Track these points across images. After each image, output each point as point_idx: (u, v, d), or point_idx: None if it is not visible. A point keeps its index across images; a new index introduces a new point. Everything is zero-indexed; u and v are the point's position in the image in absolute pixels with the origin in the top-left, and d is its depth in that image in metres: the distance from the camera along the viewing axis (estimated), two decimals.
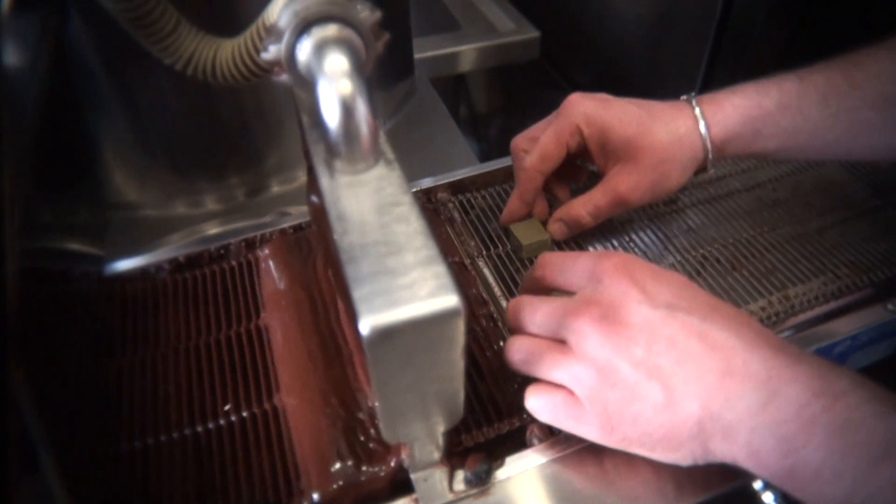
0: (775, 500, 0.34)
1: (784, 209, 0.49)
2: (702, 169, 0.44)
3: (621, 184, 0.44)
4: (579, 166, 0.50)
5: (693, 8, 0.68)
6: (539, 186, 0.46)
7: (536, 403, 0.34)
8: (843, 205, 0.49)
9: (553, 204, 0.48)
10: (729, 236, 0.47)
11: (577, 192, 0.47)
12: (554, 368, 0.33)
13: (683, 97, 0.44)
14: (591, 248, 0.46)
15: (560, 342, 0.33)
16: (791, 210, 0.49)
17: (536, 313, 0.34)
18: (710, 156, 0.43)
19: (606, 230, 0.48)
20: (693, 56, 0.69)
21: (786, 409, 0.28)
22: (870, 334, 0.41)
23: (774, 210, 0.49)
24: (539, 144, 0.45)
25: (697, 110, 0.43)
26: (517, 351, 0.34)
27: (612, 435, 0.32)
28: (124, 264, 0.44)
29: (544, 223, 0.47)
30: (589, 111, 0.44)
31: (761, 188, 0.51)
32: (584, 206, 0.45)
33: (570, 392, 0.32)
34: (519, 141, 0.47)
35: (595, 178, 0.47)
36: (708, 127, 0.42)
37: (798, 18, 0.64)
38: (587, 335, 0.31)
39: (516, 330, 0.36)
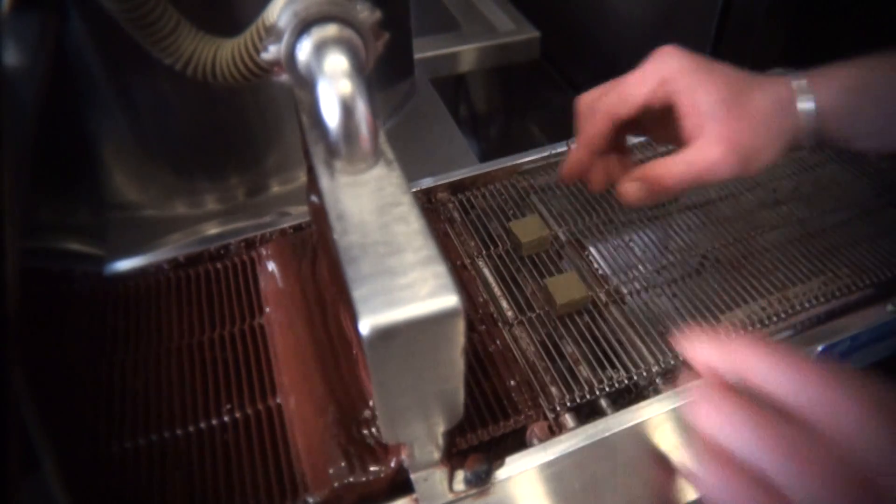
0: None
1: (784, 209, 0.49)
2: (798, 146, 0.40)
3: (712, 152, 0.37)
4: (626, 148, 0.44)
5: (693, 8, 0.68)
6: (606, 133, 0.40)
7: None
8: (843, 205, 0.49)
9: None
10: (729, 236, 0.47)
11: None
12: None
13: (778, 70, 0.40)
14: (591, 248, 0.46)
15: (767, 477, 0.25)
16: (791, 210, 0.49)
17: (749, 434, 0.25)
18: (813, 127, 0.38)
19: (606, 230, 0.48)
20: None
21: None
22: (870, 334, 0.41)
23: (774, 210, 0.49)
24: (620, 85, 0.40)
25: (804, 82, 0.38)
26: (711, 486, 0.26)
27: None
28: (124, 264, 0.44)
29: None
30: (685, 62, 0.39)
31: (761, 188, 0.51)
32: (670, 166, 0.39)
33: None
34: (586, 94, 0.42)
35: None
36: (814, 99, 0.38)
37: (798, 18, 0.64)
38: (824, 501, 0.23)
39: (704, 433, 0.27)
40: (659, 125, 0.41)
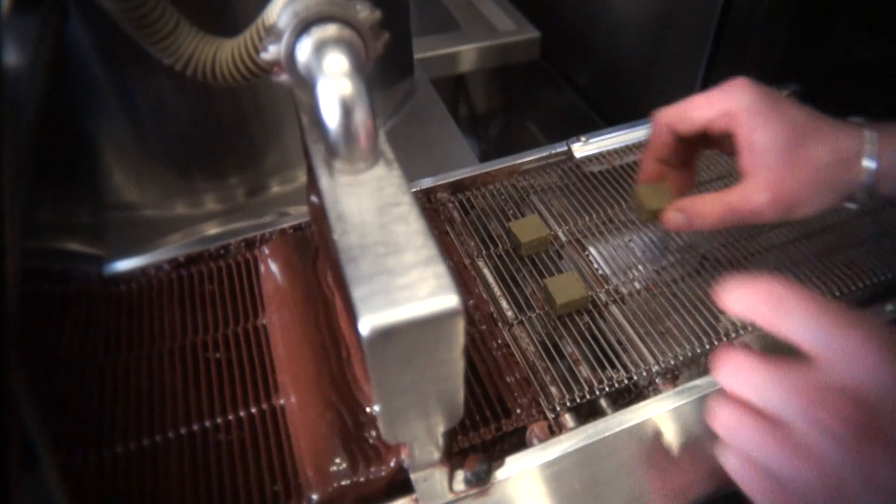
0: None
1: None
2: (850, 198, 0.39)
3: (761, 194, 0.38)
4: (694, 169, 0.45)
5: (693, 8, 0.68)
6: (669, 145, 0.42)
7: (734, 468, 0.29)
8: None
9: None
10: (729, 236, 0.47)
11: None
12: (772, 458, 0.27)
13: (855, 119, 0.40)
14: (590, 248, 0.46)
15: (776, 419, 0.27)
16: None
17: (761, 381, 0.27)
18: (870, 182, 0.38)
19: (606, 230, 0.48)
20: (693, 56, 0.69)
21: None
22: None
23: None
24: (686, 102, 0.41)
25: (871, 135, 0.38)
26: (729, 421, 0.28)
27: None
28: (124, 264, 0.44)
29: (659, 197, 0.43)
30: (753, 100, 0.39)
31: None
32: (714, 205, 0.40)
33: (777, 477, 0.27)
34: (662, 110, 0.43)
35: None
36: (879, 155, 0.37)
37: (798, 19, 0.64)
38: (829, 437, 0.25)
39: (724, 387, 0.29)
40: (726, 143, 0.42)
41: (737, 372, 0.28)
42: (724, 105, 0.39)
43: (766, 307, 0.28)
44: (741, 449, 0.28)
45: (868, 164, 0.38)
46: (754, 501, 0.28)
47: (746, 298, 0.29)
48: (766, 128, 0.38)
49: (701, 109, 0.40)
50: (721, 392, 0.29)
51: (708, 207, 0.40)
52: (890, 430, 0.25)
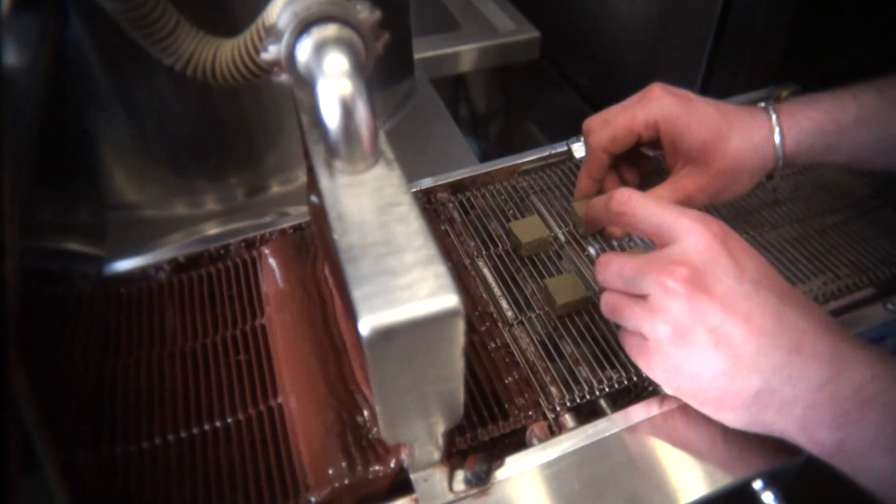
0: (775, 499, 0.34)
1: (784, 209, 0.49)
2: (769, 176, 0.45)
3: (690, 184, 0.44)
4: (645, 155, 0.50)
5: (693, 8, 0.68)
6: (606, 166, 0.46)
7: (626, 340, 0.37)
8: (843, 205, 0.49)
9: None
10: None
11: (643, 180, 0.48)
12: (635, 321, 0.35)
13: (761, 104, 0.44)
14: (590, 248, 0.46)
15: (643, 296, 0.34)
16: (791, 210, 0.49)
17: (623, 269, 0.35)
18: (780, 164, 0.43)
19: (607, 231, 0.48)
20: (693, 56, 0.69)
21: (845, 387, 0.30)
22: (870, 334, 0.41)
23: (774, 210, 0.49)
24: (612, 126, 0.45)
25: (774, 119, 0.43)
26: (604, 305, 0.37)
27: (668, 383, 0.35)
28: (124, 264, 0.44)
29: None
30: (670, 109, 0.44)
31: (761, 188, 0.51)
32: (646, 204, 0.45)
33: (644, 336, 0.35)
34: (591, 121, 0.47)
35: (659, 172, 0.48)
36: (783, 138, 0.42)
37: (798, 18, 0.64)
38: (670, 293, 0.32)
39: (604, 285, 0.37)
40: (654, 144, 0.47)
41: (608, 268, 0.36)
42: (646, 118, 0.44)
43: (625, 218, 0.37)
44: (624, 323, 0.36)
45: (777, 144, 0.43)
46: (636, 363, 0.36)
47: (611, 212, 0.38)
48: (686, 131, 0.43)
49: (628, 128, 0.45)
50: (606, 290, 0.37)
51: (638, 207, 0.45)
52: (713, 284, 0.32)
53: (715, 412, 0.34)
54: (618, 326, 0.39)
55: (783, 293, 0.33)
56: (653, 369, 0.35)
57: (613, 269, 0.36)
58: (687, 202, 0.44)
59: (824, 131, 0.42)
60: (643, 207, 0.36)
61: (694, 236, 0.33)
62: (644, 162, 0.50)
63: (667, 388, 0.35)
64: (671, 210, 0.35)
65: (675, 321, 0.33)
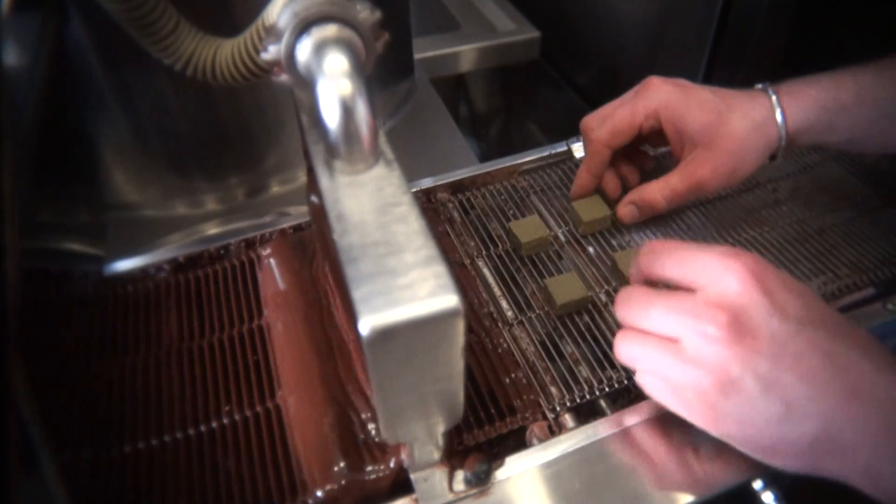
0: (775, 499, 0.34)
1: (784, 209, 0.49)
2: (772, 157, 0.45)
3: (700, 169, 0.43)
4: (645, 153, 0.50)
5: (693, 8, 0.68)
6: (606, 161, 0.46)
7: (648, 382, 0.34)
8: (843, 205, 0.49)
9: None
10: (729, 236, 0.47)
11: (644, 180, 0.48)
12: (666, 368, 0.32)
13: (759, 86, 0.44)
14: (590, 249, 0.46)
15: (672, 339, 0.32)
16: (791, 210, 0.49)
17: (651, 308, 0.32)
18: (783, 144, 0.43)
19: (606, 230, 0.48)
20: (693, 56, 0.69)
21: None
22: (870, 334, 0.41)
23: (774, 210, 0.49)
24: (612, 119, 0.45)
25: (775, 99, 0.43)
26: (628, 347, 0.34)
27: (715, 430, 0.32)
28: (124, 264, 0.44)
29: (609, 203, 0.47)
30: (668, 96, 0.44)
31: (761, 188, 0.51)
32: (660, 191, 0.45)
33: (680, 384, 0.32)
34: (589, 119, 0.47)
35: (660, 171, 0.48)
36: (784, 117, 0.42)
37: (798, 18, 0.64)
38: (709, 341, 0.30)
39: (624, 323, 0.34)
40: (652, 138, 0.47)
41: (633, 306, 0.34)
42: (647, 108, 0.44)
43: (652, 265, 0.34)
44: (643, 368, 0.33)
45: (780, 123, 0.43)
46: (667, 407, 0.33)
47: (640, 266, 0.35)
48: (687, 115, 0.43)
49: (629, 120, 0.45)
50: (622, 329, 0.34)
51: (656, 194, 0.45)
52: (756, 327, 0.30)
53: (769, 459, 0.31)
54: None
55: (833, 329, 0.30)
56: (695, 417, 0.32)
57: (637, 305, 0.33)
58: (699, 187, 0.44)
59: (825, 108, 0.42)
60: (664, 248, 0.34)
61: (730, 276, 0.31)
62: (644, 160, 0.50)
63: (712, 433, 0.32)
64: (700, 249, 0.33)
65: (720, 371, 0.30)
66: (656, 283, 0.35)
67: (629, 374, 0.39)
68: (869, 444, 0.28)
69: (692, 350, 0.31)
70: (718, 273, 0.31)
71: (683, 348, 0.31)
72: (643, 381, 0.34)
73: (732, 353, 0.30)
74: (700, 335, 0.30)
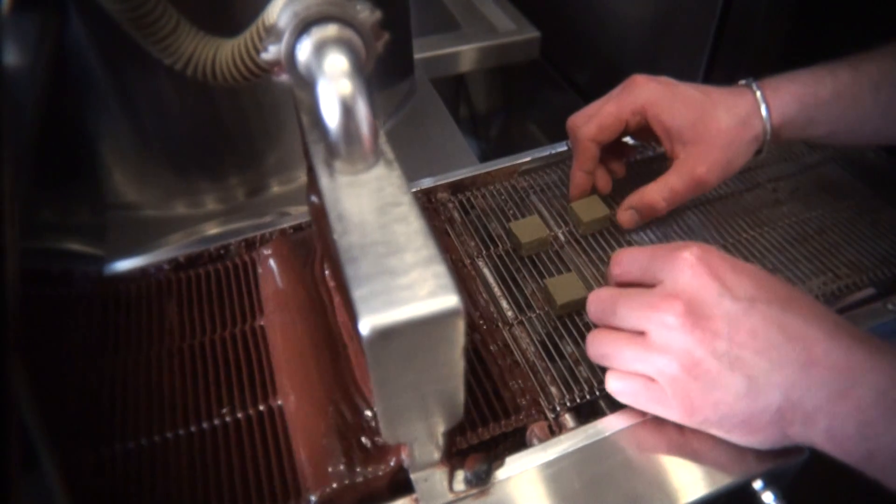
0: (775, 499, 0.34)
1: (784, 209, 0.49)
2: (758, 151, 0.45)
3: (697, 166, 0.44)
4: (628, 144, 0.51)
5: (693, 8, 0.68)
6: (596, 156, 0.47)
7: (617, 386, 0.35)
8: (843, 205, 0.49)
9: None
10: (729, 236, 0.47)
11: (635, 177, 0.49)
12: (636, 361, 0.34)
13: (742, 82, 0.45)
14: (590, 249, 0.46)
15: (639, 334, 0.34)
16: (791, 210, 0.49)
17: (617, 306, 0.35)
18: (768, 139, 0.44)
19: (606, 230, 0.48)
20: (693, 56, 0.69)
21: (866, 396, 0.29)
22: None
23: (774, 210, 0.49)
24: (598, 116, 0.46)
25: (759, 94, 0.44)
26: (599, 345, 0.36)
27: (692, 418, 0.33)
28: (124, 264, 0.44)
29: (607, 201, 0.48)
30: (654, 93, 0.44)
31: (761, 188, 0.51)
32: (659, 192, 0.45)
33: (650, 378, 0.34)
34: (575, 118, 0.48)
35: (641, 164, 0.48)
36: (769, 111, 0.43)
37: (798, 18, 0.64)
38: (670, 329, 0.32)
39: (596, 322, 0.37)
40: (640, 133, 0.48)
41: (601, 305, 0.36)
42: (632, 104, 0.45)
43: (618, 271, 0.37)
44: (614, 365, 0.35)
45: (765, 117, 0.43)
46: (641, 408, 0.35)
47: (610, 275, 0.38)
48: (674, 111, 0.44)
49: (616, 116, 0.45)
50: (594, 329, 0.37)
51: (655, 196, 0.45)
52: (710, 310, 0.32)
53: (744, 437, 0.33)
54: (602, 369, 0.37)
55: (784, 302, 0.32)
56: (671, 409, 0.34)
57: (605, 304, 0.36)
58: (698, 185, 0.44)
59: (805, 104, 0.43)
60: (627, 255, 0.37)
61: (678, 267, 0.33)
62: (628, 151, 0.51)
63: (690, 424, 0.34)
64: (649, 249, 0.36)
65: (682, 356, 0.32)
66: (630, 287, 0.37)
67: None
68: (826, 407, 0.30)
69: (657, 340, 0.33)
70: (671, 266, 0.34)
71: (649, 340, 0.33)
72: (614, 387, 0.36)
73: (693, 338, 0.32)
74: (662, 325, 0.32)
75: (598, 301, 0.36)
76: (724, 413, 0.32)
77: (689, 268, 0.33)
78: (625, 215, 0.46)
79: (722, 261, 0.33)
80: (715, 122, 0.43)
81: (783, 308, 0.32)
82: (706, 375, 0.32)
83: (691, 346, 0.32)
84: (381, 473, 0.33)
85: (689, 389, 0.32)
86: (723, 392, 0.32)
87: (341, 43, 0.28)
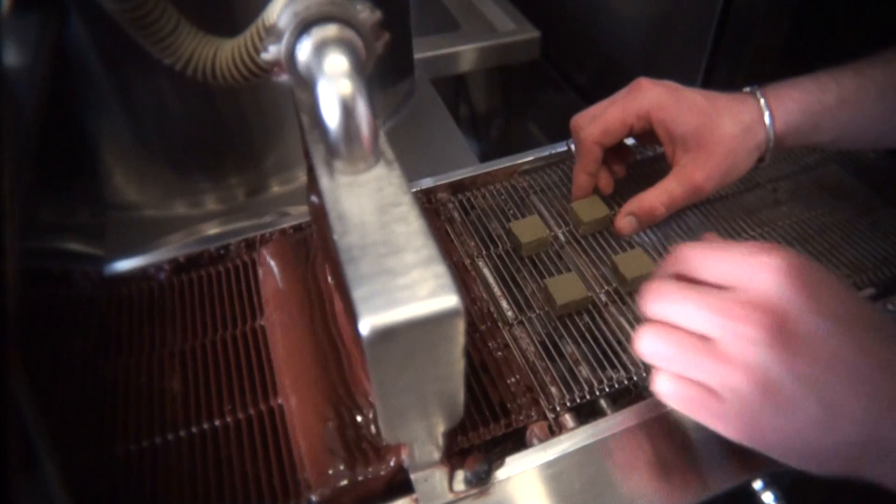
0: (775, 499, 0.34)
1: (784, 209, 0.49)
2: (761, 159, 0.46)
3: (696, 173, 0.44)
4: (628, 146, 0.51)
5: (693, 8, 0.68)
6: (599, 158, 0.47)
7: (669, 389, 0.32)
8: (843, 205, 0.49)
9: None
10: (729, 237, 0.47)
11: (634, 178, 0.49)
12: (699, 369, 0.30)
13: (747, 89, 0.45)
14: (590, 249, 0.46)
15: (703, 337, 0.30)
16: (791, 210, 0.49)
17: (685, 303, 0.31)
18: (771, 146, 0.44)
19: (606, 230, 0.48)
20: (693, 56, 0.69)
21: None
22: None
23: (774, 210, 0.49)
24: (603, 118, 0.45)
25: (763, 102, 0.44)
26: (656, 341, 0.32)
27: (752, 439, 0.30)
28: (124, 264, 0.44)
29: (607, 202, 0.48)
30: (659, 98, 0.44)
31: (761, 188, 0.51)
32: (658, 197, 0.45)
33: (710, 389, 0.30)
34: (579, 118, 0.47)
35: (640, 165, 0.48)
36: (773, 119, 0.43)
37: (798, 18, 0.64)
38: (748, 342, 0.29)
39: (650, 315, 0.33)
40: (643, 137, 0.48)
41: (662, 299, 0.32)
42: (637, 108, 0.45)
43: (685, 266, 0.33)
44: (670, 368, 0.32)
45: (768, 125, 0.43)
46: (691, 416, 0.32)
47: (667, 267, 0.34)
48: (678, 118, 0.44)
49: (619, 120, 0.45)
50: (647, 323, 0.33)
51: (654, 201, 0.45)
52: (796, 327, 0.29)
53: (802, 463, 0.30)
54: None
55: (874, 325, 0.29)
56: (729, 426, 0.31)
57: (671, 298, 0.31)
58: (696, 191, 0.44)
59: (810, 111, 0.43)
60: (693, 252, 0.33)
61: (761, 272, 0.29)
62: (627, 153, 0.51)
63: (747, 444, 0.31)
64: (721, 248, 0.32)
65: (759, 376, 0.29)
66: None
67: (629, 373, 0.39)
68: None
69: (730, 351, 0.29)
70: (753, 271, 0.30)
71: (720, 349, 0.30)
72: (665, 389, 0.32)
73: (772, 356, 0.28)
74: (739, 336, 0.29)
75: (660, 293, 0.32)
76: (786, 439, 0.29)
77: (773, 276, 0.29)
78: (623, 222, 0.46)
79: (811, 272, 0.30)
80: (718, 129, 0.43)
81: (872, 332, 0.29)
82: (781, 399, 0.29)
83: (770, 364, 0.28)
84: (381, 473, 0.33)
85: (757, 410, 0.29)
86: (795, 418, 0.29)
87: (341, 43, 0.28)
